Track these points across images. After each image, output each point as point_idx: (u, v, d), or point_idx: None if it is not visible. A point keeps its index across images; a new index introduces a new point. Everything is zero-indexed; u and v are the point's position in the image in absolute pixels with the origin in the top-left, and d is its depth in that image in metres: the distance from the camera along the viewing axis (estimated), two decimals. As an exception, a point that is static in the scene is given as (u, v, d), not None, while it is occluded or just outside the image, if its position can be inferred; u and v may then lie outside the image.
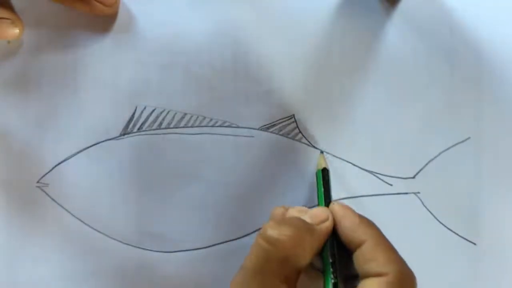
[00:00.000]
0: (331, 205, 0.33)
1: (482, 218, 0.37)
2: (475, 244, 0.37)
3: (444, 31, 0.38)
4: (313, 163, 0.38)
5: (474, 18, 0.38)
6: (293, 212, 0.33)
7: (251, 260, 0.30)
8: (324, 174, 0.35)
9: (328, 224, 0.32)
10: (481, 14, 0.39)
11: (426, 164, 0.38)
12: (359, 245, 0.31)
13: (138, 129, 0.37)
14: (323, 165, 0.36)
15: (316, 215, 0.32)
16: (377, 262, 0.30)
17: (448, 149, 0.38)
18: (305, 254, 0.30)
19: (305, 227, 0.31)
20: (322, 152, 0.37)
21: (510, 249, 0.37)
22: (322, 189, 0.35)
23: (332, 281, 0.31)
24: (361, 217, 0.32)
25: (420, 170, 0.38)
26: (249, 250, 0.37)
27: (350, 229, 0.31)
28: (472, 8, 0.39)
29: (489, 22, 0.38)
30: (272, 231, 0.30)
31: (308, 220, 0.32)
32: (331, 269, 0.31)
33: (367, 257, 0.30)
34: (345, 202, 0.38)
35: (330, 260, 0.31)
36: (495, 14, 0.39)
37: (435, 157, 0.38)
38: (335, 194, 0.37)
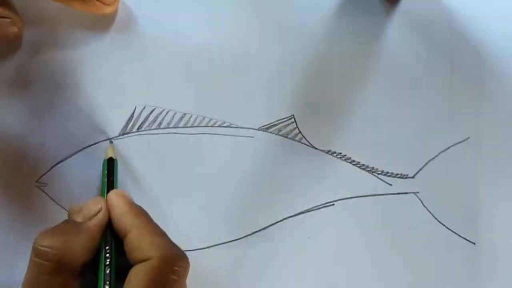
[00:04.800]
0: (108, 194, 0.33)
1: (481, 217, 0.38)
2: (474, 243, 0.37)
3: (445, 31, 0.38)
4: (314, 163, 0.38)
5: (474, 18, 0.39)
6: (75, 207, 0.33)
7: (26, 275, 0.30)
8: (109, 164, 0.35)
9: (101, 217, 0.32)
10: (482, 14, 0.39)
11: (426, 164, 0.38)
12: (126, 234, 0.31)
13: (138, 129, 0.37)
14: (110, 155, 0.35)
15: (88, 208, 0.32)
16: (141, 248, 0.30)
17: (447, 149, 0.38)
18: (78, 256, 0.30)
19: (74, 229, 0.31)
20: (111, 142, 0.37)
21: (509, 248, 0.37)
22: (106, 179, 0.34)
23: (107, 271, 0.31)
24: (131, 206, 0.32)
25: (420, 170, 0.38)
26: (248, 250, 0.37)
27: (118, 218, 0.32)
28: (473, 8, 0.39)
29: (489, 22, 0.39)
30: (41, 244, 0.30)
31: (80, 218, 0.32)
32: (105, 260, 0.31)
33: (132, 245, 0.30)
34: (346, 202, 0.38)
35: (105, 250, 0.32)
36: (496, 14, 0.39)
37: (435, 157, 0.38)
38: (335, 194, 0.37)
